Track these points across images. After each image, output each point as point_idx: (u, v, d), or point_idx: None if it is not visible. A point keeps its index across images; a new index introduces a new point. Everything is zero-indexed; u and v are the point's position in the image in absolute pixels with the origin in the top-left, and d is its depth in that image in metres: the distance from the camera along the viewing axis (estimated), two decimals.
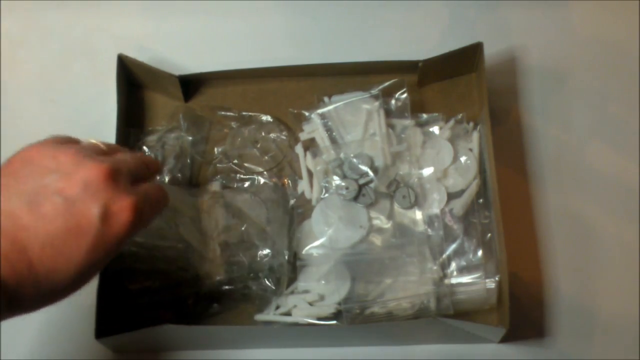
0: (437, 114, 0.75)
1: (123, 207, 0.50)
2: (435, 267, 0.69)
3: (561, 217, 0.74)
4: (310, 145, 0.76)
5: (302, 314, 0.68)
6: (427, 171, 0.73)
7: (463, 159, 0.73)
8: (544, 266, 0.72)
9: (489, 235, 0.71)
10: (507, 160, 0.75)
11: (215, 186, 0.74)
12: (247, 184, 0.75)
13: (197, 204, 0.72)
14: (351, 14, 0.84)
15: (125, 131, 0.76)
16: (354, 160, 0.72)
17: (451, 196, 0.72)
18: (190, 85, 0.80)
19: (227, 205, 0.72)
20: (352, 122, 0.75)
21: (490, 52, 0.76)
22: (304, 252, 0.70)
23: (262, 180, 0.75)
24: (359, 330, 0.68)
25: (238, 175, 0.76)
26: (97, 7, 0.86)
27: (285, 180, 0.75)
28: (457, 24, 0.83)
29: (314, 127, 0.75)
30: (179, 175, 0.75)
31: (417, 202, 0.71)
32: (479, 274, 0.69)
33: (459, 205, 0.71)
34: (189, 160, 0.76)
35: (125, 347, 0.70)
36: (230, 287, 0.69)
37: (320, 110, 0.75)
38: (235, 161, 0.76)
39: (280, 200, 0.73)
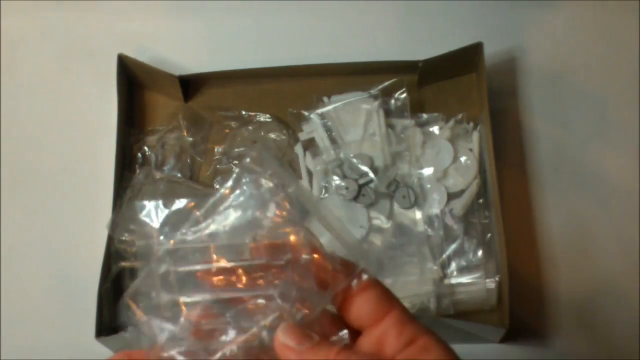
0: (437, 114, 0.75)
1: None
2: (435, 267, 0.69)
3: (561, 217, 0.74)
4: (310, 145, 0.76)
5: None
6: (427, 171, 0.73)
7: (463, 159, 0.73)
8: (544, 266, 0.72)
9: (489, 235, 0.71)
10: (507, 160, 0.75)
11: None
12: None
13: None
14: (351, 14, 0.84)
15: (125, 131, 0.76)
16: (354, 160, 0.72)
17: (451, 196, 0.72)
18: (190, 85, 0.80)
19: None
20: (351, 122, 0.75)
21: (490, 52, 0.76)
22: None
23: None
24: None
25: None
26: (97, 7, 0.86)
27: None
28: (457, 24, 0.83)
29: (313, 127, 0.75)
30: (179, 175, 0.75)
31: (417, 202, 0.71)
32: (479, 274, 0.69)
33: (459, 205, 0.71)
34: (189, 160, 0.77)
35: (125, 347, 0.70)
36: None
37: (319, 110, 0.75)
38: (236, 161, 0.76)
39: None
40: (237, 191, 0.40)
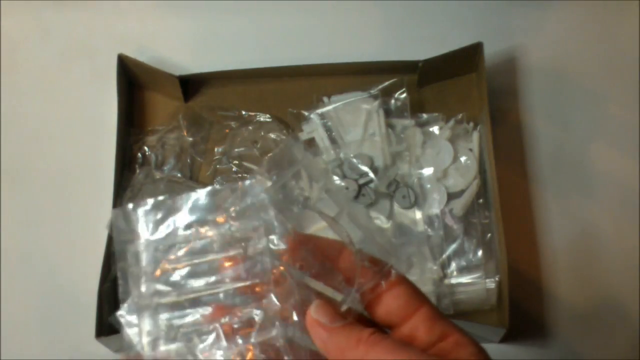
0: (437, 114, 0.75)
1: None
2: (435, 267, 0.69)
3: (561, 217, 0.74)
4: (310, 145, 0.76)
5: None
6: (427, 171, 0.73)
7: (463, 159, 0.73)
8: (544, 266, 0.72)
9: (489, 235, 0.71)
10: (507, 160, 0.75)
11: None
12: None
13: None
14: (351, 14, 0.84)
15: (125, 131, 0.77)
16: (354, 160, 0.72)
17: (451, 196, 0.72)
18: (190, 85, 0.80)
19: None
20: (351, 122, 0.75)
21: (490, 52, 0.76)
22: None
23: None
24: None
25: (237, 175, 0.76)
26: (97, 7, 0.86)
27: None
28: (457, 24, 0.83)
29: (313, 127, 0.75)
30: (179, 175, 0.75)
31: (417, 202, 0.71)
32: (479, 274, 0.69)
33: (459, 205, 0.71)
34: (189, 160, 0.77)
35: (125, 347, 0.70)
36: None
37: (319, 110, 0.75)
38: (236, 161, 0.76)
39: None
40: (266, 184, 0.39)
